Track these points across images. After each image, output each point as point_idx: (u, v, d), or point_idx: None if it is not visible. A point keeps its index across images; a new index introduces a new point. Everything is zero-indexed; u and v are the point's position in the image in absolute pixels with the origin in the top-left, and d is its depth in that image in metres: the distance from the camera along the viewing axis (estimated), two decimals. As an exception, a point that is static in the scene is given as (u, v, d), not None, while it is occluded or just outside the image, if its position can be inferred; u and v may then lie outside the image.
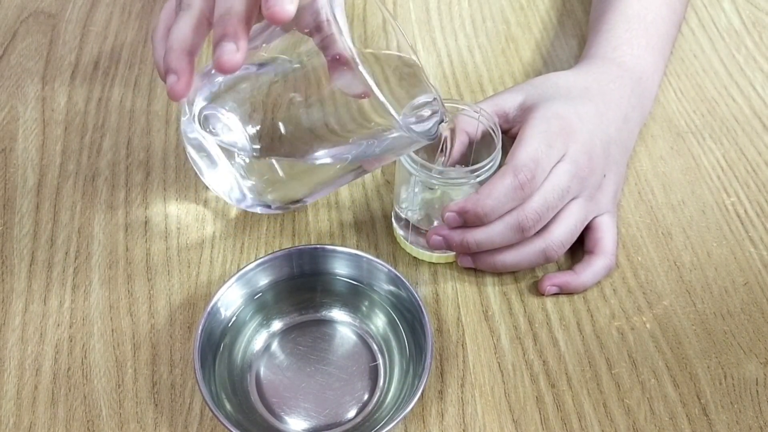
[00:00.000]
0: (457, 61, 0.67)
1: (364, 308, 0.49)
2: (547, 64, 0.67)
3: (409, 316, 0.46)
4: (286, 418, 0.45)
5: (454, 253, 0.52)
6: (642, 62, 0.58)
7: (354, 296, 0.49)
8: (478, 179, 0.47)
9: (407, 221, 0.52)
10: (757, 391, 0.48)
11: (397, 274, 0.47)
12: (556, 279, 0.51)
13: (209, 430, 0.45)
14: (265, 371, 0.47)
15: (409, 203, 0.51)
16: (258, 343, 0.48)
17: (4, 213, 0.55)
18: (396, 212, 0.53)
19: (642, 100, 0.57)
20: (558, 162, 0.49)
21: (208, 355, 0.44)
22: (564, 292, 0.52)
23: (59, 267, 0.52)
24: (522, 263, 0.50)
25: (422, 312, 0.45)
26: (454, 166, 0.51)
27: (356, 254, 0.48)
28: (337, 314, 0.50)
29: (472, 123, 0.51)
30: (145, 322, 0.50)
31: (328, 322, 0.49)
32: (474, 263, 0.52)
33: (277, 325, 0.49)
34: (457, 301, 0.51)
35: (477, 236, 0.49)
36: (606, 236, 0.52)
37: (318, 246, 0.48)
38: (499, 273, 0.52)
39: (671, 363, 0.49)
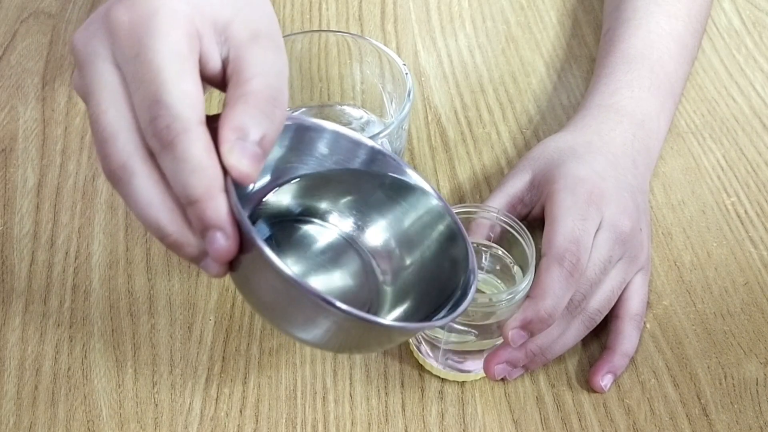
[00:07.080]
0: (457, 61, 0.67)
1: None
2: (547, 64, 0.67)
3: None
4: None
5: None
6: (644, 104, 0.55)
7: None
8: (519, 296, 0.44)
9: (432, 343, 0.46)
10: (757, 391, 0.48)
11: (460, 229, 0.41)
12: (603, 368, 0.47)
13: (209, 430, 0.45)
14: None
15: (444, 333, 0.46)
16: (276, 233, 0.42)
17: (4, 213, 0.55)
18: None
19: (647, 143, 0.54)
20: (597, 231, 0.46)
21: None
22: (618, 374, 0.48)
23: (59, 267, 0.52)
24: (568, 345, 0.47)
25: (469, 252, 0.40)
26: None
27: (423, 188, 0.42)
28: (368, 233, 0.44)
29: (488, 224, 0.47)
30: (145, 322, 0.50)
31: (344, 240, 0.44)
32: (527, 369, 0.47)
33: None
34: (457, 301, 0.51)
35: (539, 341, 0.45)
36: (634, 297, 0.49)
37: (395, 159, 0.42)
38: None
39: (671, 363, 0.49)
